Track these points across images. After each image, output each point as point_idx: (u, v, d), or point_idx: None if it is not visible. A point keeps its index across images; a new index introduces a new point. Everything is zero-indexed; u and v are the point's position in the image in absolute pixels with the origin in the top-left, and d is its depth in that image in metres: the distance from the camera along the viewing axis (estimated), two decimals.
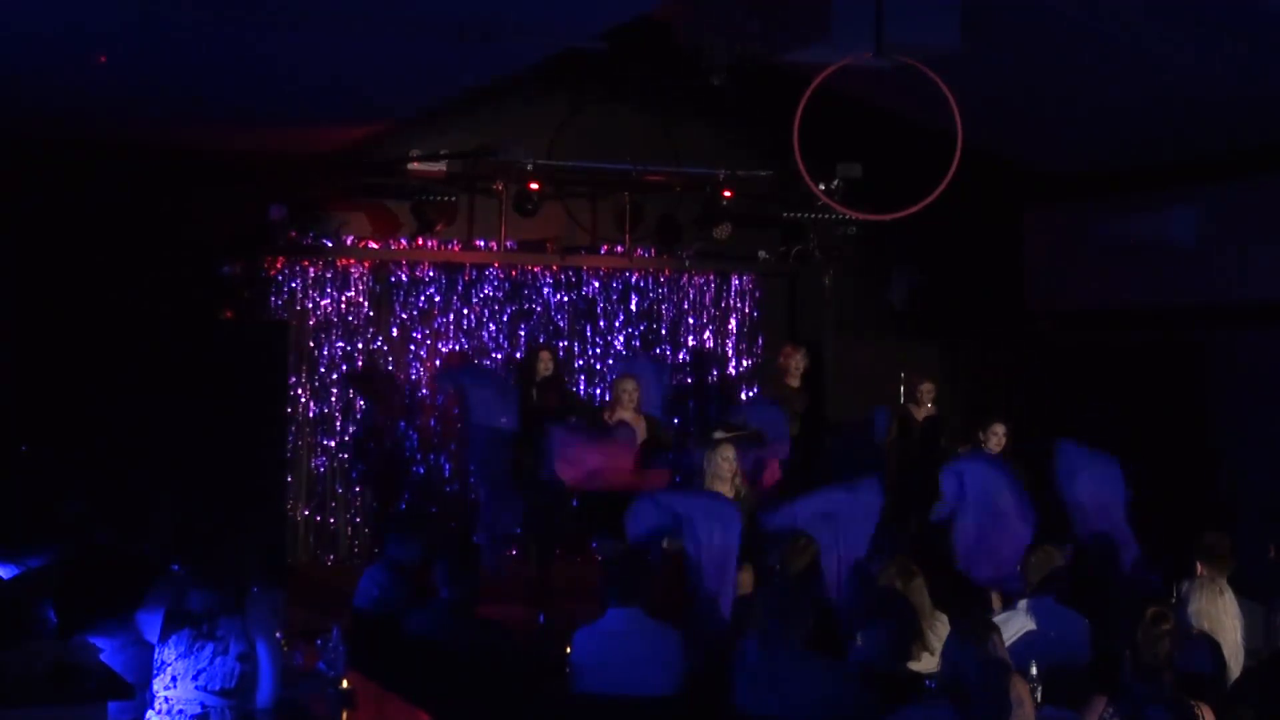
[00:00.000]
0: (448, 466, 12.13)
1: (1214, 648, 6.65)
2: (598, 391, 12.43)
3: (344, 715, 6.13)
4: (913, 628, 6.65)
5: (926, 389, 11.32)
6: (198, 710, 5.61)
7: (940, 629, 6.75)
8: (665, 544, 8.37)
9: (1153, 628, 5.80)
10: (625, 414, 10.39)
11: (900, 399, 12.17)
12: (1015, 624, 6.89)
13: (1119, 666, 6.11)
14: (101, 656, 6.06)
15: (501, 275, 12.29)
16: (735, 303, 13.08)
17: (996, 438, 10.03)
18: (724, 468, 9.04)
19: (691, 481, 9.57)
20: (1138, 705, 5.57)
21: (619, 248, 12.48)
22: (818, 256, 12.79)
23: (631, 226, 12.43)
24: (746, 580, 8.08)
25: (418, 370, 12.02)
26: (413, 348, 12.06)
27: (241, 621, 5.66)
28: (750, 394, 12.75)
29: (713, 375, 12.97)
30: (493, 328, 12.29)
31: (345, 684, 6.25)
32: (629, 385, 10.42)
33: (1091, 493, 9.02)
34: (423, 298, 12.11)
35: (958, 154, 9.17)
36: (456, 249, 12.05)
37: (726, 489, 8.97)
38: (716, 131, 12.26)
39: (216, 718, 5.61)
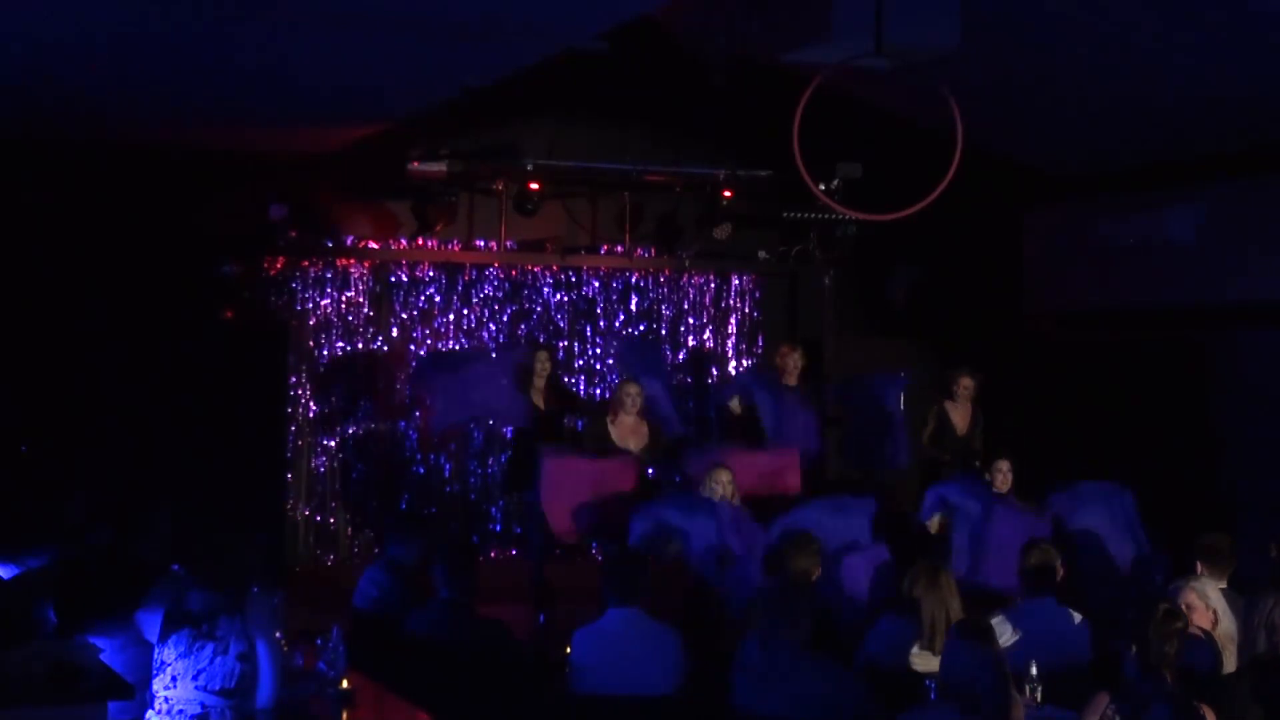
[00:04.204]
0: (448, 466, 12.13)
1: (1212, 646, 6.66)
2: (598, 392, 12.43)
3: (344, 715, 6.13)
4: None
5: (965, 384, 11.20)
6: (198, 710, 5.61)
7: None
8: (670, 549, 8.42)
9: (1164, 625, 5.81)
10: (628, 418, 10.37)
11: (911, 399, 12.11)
12: (1014, 625, 6.88)
13: (1120, 665, 6.13)
14: (101, 656, 6.07)
15: (501, 275, 12.29)
16: (735, 303, 13.08)
17: (1002, 474, 9.90)
18: (718, 491, 9.06)
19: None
20: (1140, 704, 5.57)
21: (619, 248, 12.48)
22: (818, 256, 12.80)
23: (631, 226, 12.43)
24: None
25: (415, 373, 12.01)
26: (413, 348, 12.06)
27: (241, 621, 5.66)
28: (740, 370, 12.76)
29: (712, 375, 12.97)
30: (493, 328, 12.29)
31: (345, 684, 6.26)
32: (633, 390, 10.37)
33: (1095, 530, 9.00)
34: (423, 298, 12.12)
35: (958, 154, 9.16)
36: (456, 249, 12.06)
37: None
38: (716, 131, 12.26)
39: (216, 718, 5.61)
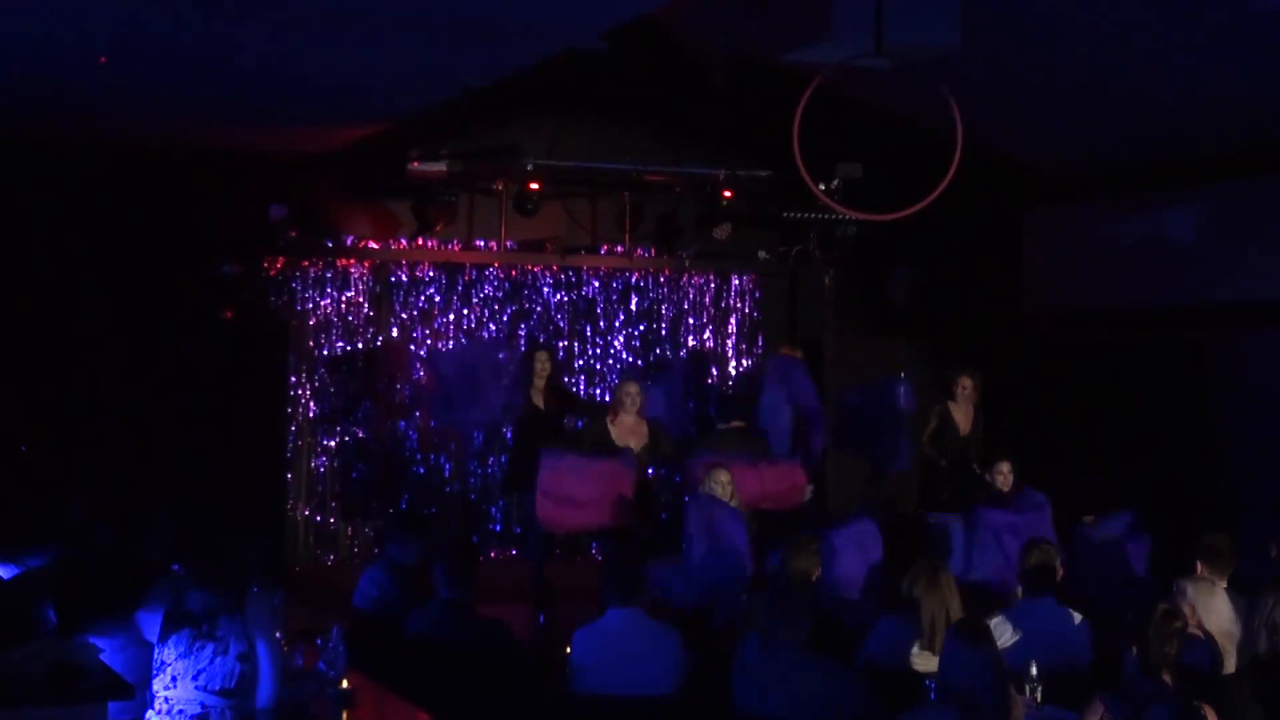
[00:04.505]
0: (448, 466, 12.13)
1: (1212, 646, 6.67)
2: (598, 392, 12.43)
3: (344, 715, 6.13)
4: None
5: (965, 384, 11.17)
6: (198, 710, 5.61)
7: None
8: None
9: (1164, 625, 5.81)
10: (628, 418, 10.37)
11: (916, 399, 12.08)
12: (1014, 625, 6.88)
13: (1120, 666, 6.13)
14: (101, 656, 6.07)
15: (501, 275, 12.29)
16: (735, 303, 13.08)
17: (1003, 476, 9.93)
18: (718, 491, 9.06)
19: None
20: (1141, 704, 5.57)
21: (619, 248, 12.48)
22: (818, 256, 12.79)
23: (631, 226, 12.43)
24: None
25: (417, 370, 12.02)
26: (413, 348, 12.06)
27: (241, 621, 5.66)
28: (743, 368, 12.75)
29: (713, 375, 12.97)
30: (493, 328, 12.29)
31: (345, 684, 6.25)
32: (632, 389, 10.40)
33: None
34: (423, 298, 12.12)
35: (958, 154, 9.16)
36: (456, 249, 12.06)
37: None
38: (716, 131, 12.26)
39: (216, 718, 5.61)
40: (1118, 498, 9.45)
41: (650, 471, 10.70)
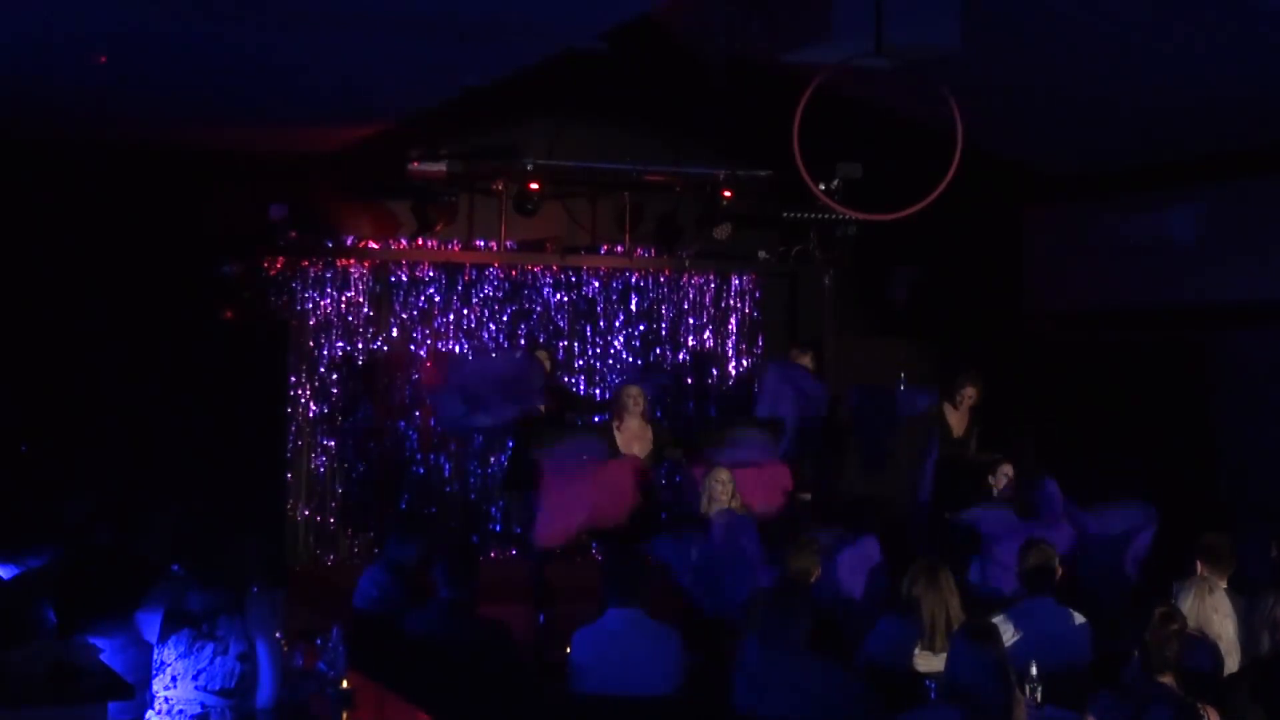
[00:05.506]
0: (448, 466, 12.13)
1: (1212, 647, 6.66)
2: (598, 392, 12.43)
3: (344, 715, 6.12)
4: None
5: (969, 393, 11.06)
6: (198, 710, 5.61)
7: None
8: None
9: (1162, 628, 5.80)
10: (632, 422, 10.31)
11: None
12: (1014, 625, 6.88)
13: (1122, 666, 6.12)
14: (101, 656, 6.07)
15: (501, 275, 12.30)
16: (735, 303, 13.08)
17: (1006, 479, 9.93)
18: (718, 490, 9.03)
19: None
20: (1142, 705, 5.57)
21: (619, 248, 12.49)
22: (818, 256, 12.79)
23: (631, 226, 12.43)
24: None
25: (417, 371, 12.02)
26: (413, 348, 12.06)
27: (241, 621, 5.66)
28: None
29: (712, 375, 12.97)
30: (493, 328, 12.29)
31: (345, 684, 6.25)
32: (634, 392, 10.29)
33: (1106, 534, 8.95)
34: (423, 298, 12.12)
35: (958, 154, 9.16)
36: (456, 249, 12.06)
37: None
38: (716, 131, 12.26)
39: (216, 718, 5.62)
40: (1117, 498, 9.43)
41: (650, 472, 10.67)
